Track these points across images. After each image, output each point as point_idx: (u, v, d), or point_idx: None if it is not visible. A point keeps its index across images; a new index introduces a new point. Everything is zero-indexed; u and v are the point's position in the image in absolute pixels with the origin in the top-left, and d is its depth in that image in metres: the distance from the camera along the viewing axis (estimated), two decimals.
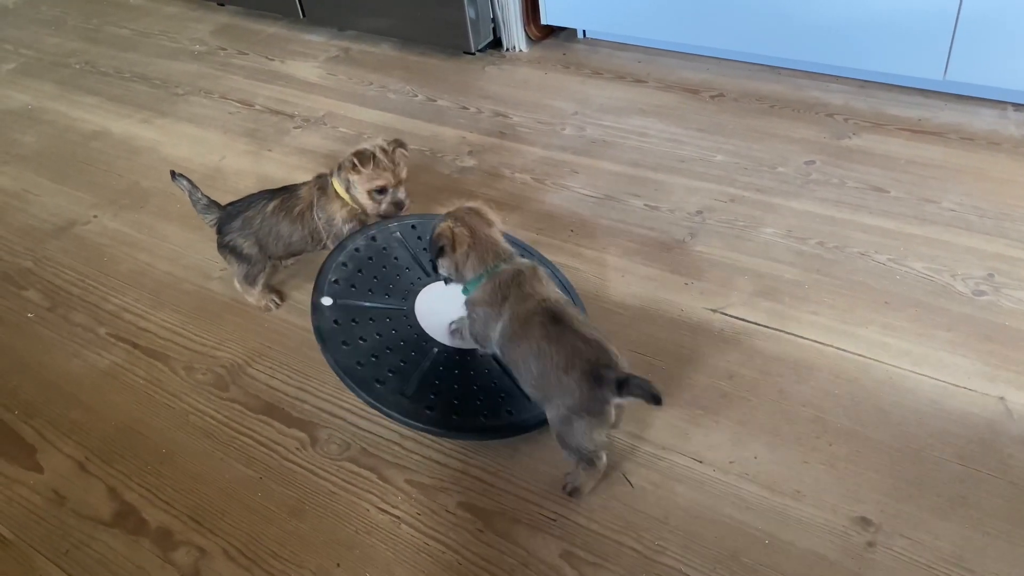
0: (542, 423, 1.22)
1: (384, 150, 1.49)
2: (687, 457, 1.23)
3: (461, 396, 1.28)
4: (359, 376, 1.27)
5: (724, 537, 1.12)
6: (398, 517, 1.20)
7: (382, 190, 1.49)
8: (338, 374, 1.28)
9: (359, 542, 1.17)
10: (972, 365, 1.32)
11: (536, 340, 1.14)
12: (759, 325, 1.44)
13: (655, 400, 1.05)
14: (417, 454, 1.28)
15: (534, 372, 1.15)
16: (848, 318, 1.43)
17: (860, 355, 1.36)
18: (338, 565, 1.14)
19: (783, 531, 1.12)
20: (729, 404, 1.30)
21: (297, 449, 1.32)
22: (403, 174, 1.51)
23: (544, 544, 1.14)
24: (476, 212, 1.26)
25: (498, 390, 1.30)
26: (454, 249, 1.22)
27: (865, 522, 1.12)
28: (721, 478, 1.20)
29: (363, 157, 1.47)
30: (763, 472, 1.20)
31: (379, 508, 1.21)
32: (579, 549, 1.13)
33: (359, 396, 1.26)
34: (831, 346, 1.38)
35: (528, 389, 1.19)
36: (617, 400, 1.10)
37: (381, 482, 1.25)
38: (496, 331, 1.21)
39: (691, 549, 1.11)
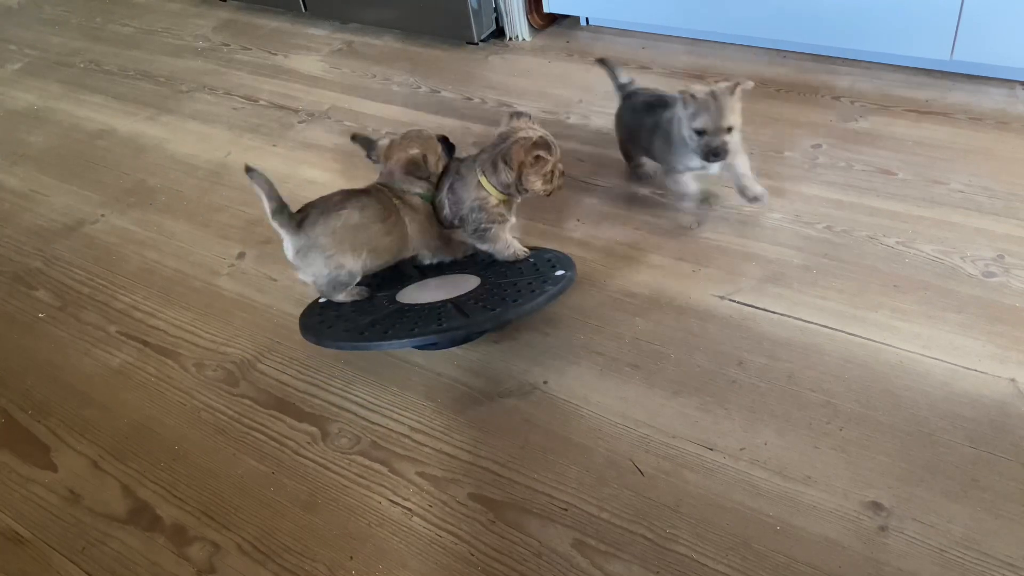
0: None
1: (534, 141, 1.44)
2: (697, 444, 1.23)
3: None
4: (321, 332, 1.39)
5: (735, 524, 1.12)
6: (410, 509, 1.20)
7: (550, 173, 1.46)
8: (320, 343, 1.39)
9: (372, 535, 1.18)
10: (983, 347, 1.31)
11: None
12: (768, 311, 1.43)
13: None
14: (427, 446, 1.29)
15: None
16: (857, 302, 1.42)
17: (870, 339, 1.35)
18: (351, 558, 1.15)
19: (795, 517, 1.12)
20: (739, 391, 1.30)
21: (308, 443, 1.33)
22: (557, 153, 1.47)
23: (556, 534, 1.14)
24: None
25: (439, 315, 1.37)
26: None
27: (877, 506, 1.12)
28: (732, 465, 1.20)
29: (544, 147, 1.43)
30: (774, 458, 1.20)
31: (391, 501, 1.22)
32: (591, 538, 1.13)
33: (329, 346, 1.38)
34: (840, 331, 1.37)
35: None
36: None
37: (392, 475, 1.26)
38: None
39: (703, 536, 1.11)
